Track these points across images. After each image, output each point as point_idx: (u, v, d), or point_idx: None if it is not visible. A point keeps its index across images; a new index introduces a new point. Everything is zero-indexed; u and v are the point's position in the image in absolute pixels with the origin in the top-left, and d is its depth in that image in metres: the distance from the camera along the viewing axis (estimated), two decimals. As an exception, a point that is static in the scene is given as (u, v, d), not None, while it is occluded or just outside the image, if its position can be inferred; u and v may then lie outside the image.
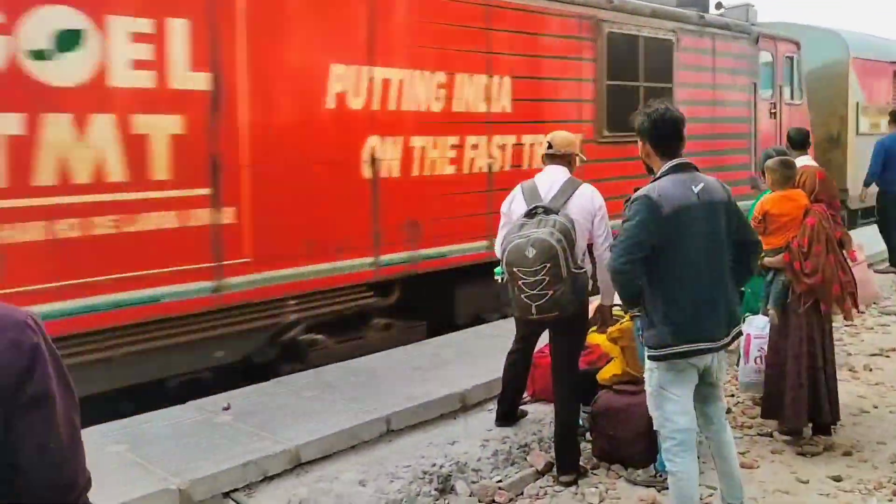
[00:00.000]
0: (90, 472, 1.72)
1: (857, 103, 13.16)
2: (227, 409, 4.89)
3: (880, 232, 10.09)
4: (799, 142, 6.26)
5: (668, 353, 3.45)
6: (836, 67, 13.06)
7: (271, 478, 4.16)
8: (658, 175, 3.55)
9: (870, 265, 10.08)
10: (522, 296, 4.14)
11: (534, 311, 4.15)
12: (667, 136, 3.57)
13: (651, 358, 3.54)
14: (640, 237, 3.40)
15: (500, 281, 4.42)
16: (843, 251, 4.77)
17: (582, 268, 4.24)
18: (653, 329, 3.48)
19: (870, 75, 13.56)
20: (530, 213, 4.29)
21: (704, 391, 3.65)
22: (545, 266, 4.04)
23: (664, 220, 3.38)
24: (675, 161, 3.54)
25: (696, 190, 3.45)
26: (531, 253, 4.06)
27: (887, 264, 10.01)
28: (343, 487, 4.07)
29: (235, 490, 4.00)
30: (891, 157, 9.63)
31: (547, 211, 4.26)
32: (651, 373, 3.59)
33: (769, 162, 4.84)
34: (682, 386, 3.53)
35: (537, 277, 4.06)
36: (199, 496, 3.88)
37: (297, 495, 3.97)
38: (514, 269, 4.12)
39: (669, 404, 3.53)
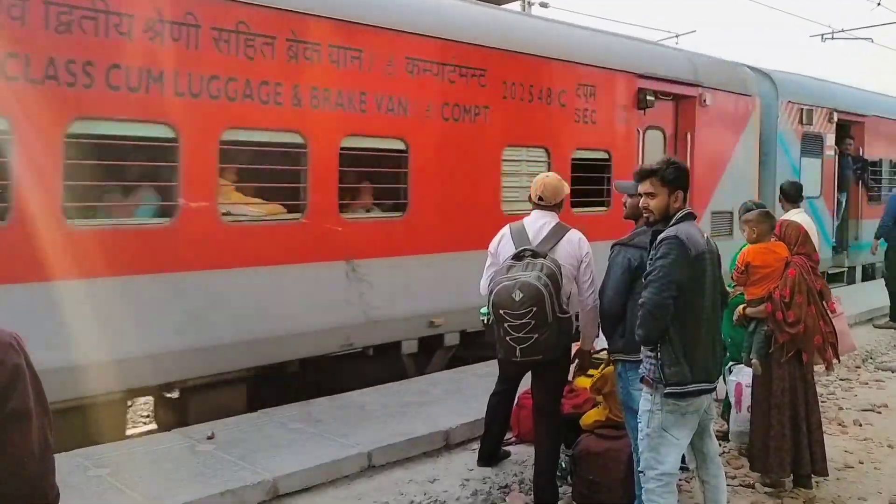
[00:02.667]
0: (59, 489, 1.82)
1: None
2: (211, 437, 4.92)
3: (886, 285, 10.08)
4: (793, 195, 6.33)
5: (687, 390, 3.51)
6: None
7: (248, 508, 4.18)
8: (678, 218, 3.66)
9: (869, 320, 10.12)
10: (507, 338, 4.19)
11: (518, 353, 4.19)
12: (686, 185, 3.77)
13: (668, 395, 3.54)
14: (673, 276, 3.50)
15: (485, 322, 4.47)
16: (824, 302, 4.80)
17: (567, 312, 4.29)
18: (676, 367, 3.51)
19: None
20: (518, 256, 4.36)
21: (701, 426, 3.74)
22: (531, 310, 4.09)
23: (692, 261, 3.52)
24: (687, 209, 3.73)
25: (705, 237, 3.68)
26: (518, 296, 4.11)
27: (887, 319, 9.97)
28: (319, 521, 4.09)
29: (211, 519, 4.03)
30: None
31: (535, 255, 4.32)
32: (652, 414, 3.60)
33: (750, 215, 4.89)
34: (684, 429, 3.61)
35: (523, 321, 4.11)
36: (175, 523, 3.91)
37: (272, 527, 4.00)
38: (501, 311, 4.17)
39: (666, 447, 3.59)
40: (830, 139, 12.12)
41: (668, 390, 3.54)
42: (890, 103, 14.32)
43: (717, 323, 3.74)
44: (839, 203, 12.47)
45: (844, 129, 12.71)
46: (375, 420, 5.41)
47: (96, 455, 4.67)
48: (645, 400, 3.66)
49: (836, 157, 12.30)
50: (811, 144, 11.71)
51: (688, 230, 3.60)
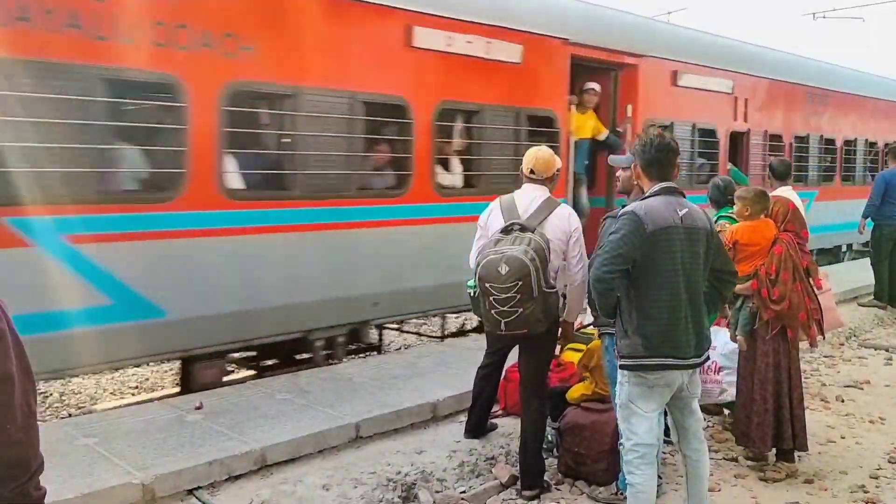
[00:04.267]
0: (43, 457, 1.79)
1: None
2: (199, 407, 4.94)
3: (871, 265, 10.16)
4: (781, 172, 6.35)
5: (639, 363, 3.55)
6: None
7: (236, 477, 4.21)
8: (647, 194, 3.68)
9: (854, 298, 10.22)
10: (493, 311, 4.19)
11: (503, 326, 4.20)
12: (652, 160, 3.71)
13: (622, 367, 3.63)
14: (622, 250, 3.51)
15: (471, 294, 4.48)
16: (810, 279, 4.84)
17: (553, 287, 4.29)
18: (626, 339, 3.59)
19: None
20: (507, 230, 4.35)
21: (681, 402, 3.75)
22: (517, 283, 4.09)
23: (647, 236, 3.50)
24: (664, 184, 3.68)
25: (680, 213, 3.59)
26: (504, 269, 4.11)
27: (871, 297, 10.07)
28: (306, 491, 4.11)
29: (199, 487, 4.05)
30: (890, 191, 9.75)
31: (523, 228, 4.31)
32: (622, 386, 3.69)
33: (745, 192, 4.91)
34: (651, 401, 3.62)
35: (508, 294, 4.11)
36: (163, 492, 3.93)
37: (259, 496, 4.02)
38: (487, 285, 4.17)
39: (635, 418, 3.63)
40: None
41: (620, 362, 3.62)
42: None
43: (697, 300, 3.63)
44: None
45: None
46: (363, 392, 5.44)
47: (84, 424, 4.68)
48: (619, 372, 3.72)
49: None
50: None
51: (652, 205, 3.57)
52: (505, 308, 4.14)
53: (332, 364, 6.35)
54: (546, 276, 4.18)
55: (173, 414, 4.88)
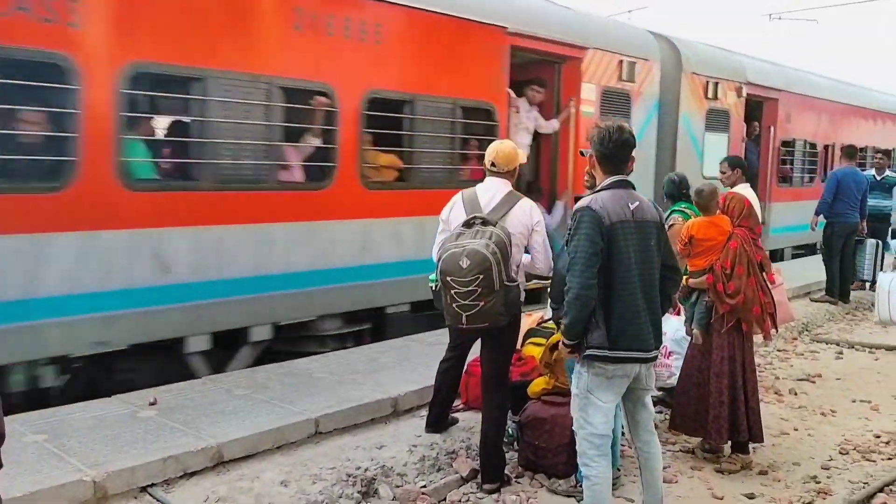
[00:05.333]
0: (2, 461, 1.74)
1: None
2: (153, 403, 4.83)
3: (823, 262, 10.41)
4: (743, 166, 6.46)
5: (605, 355, 3.56)
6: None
7: (192, 474, 4.12)
8: (599, 188, 3.69)
9: (807, 294, 10.46)
10: (454, 305, 4.18)
11: (464, 320, 4.19)
12: (610, 153, 3.69)
13: (585, 357, 3.62)
14: (592, 249, 3.50)
15: (433, 289, 4.46)
16: (763, 273, 4.93)
17: (515, 280, 4.28)
18: (595, 331, 3.57)
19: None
20: (468, 223, 4.34)
21: (634, 395, 3.78)
22: (478, 277, 4.08)
23: (606, 230, 3.51)
24: (617, 177, 3.68)
25: (631, 207, 3.60)
26: (465, 263, 4.10)
27: (823, 293, 10.32)
28: (264, 487, 4.05)
29: (153, 485, 3.96)
30: (842, 189, 9.99)
31: (485, 222, 4.31)
32: (579, 376, 3.69)
33: (702, 187, 4.98)
34: (609, 392, 3.64)
35: (470, 288, 4.10)
36: (115, 489, 3.83)
37: (216, 493, 3.94)
38: (448, 278, 4.15)
39: (592, 408, 3.64)
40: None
41: (587, 352, 3.61)
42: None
43: (652, 293, 3.65)
44: None
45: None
46: (323, 387, 5.38)
47: (33, 420, 4.53)
48: (576, 363, 3.73)
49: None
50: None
51: (605, 198, 3.58)
52: (466, 301, 4.12)
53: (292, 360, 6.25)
54: (507, 270, 4.18)
55: (126, 410, 4.76)
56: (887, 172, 11.33)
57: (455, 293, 4.13)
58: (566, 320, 3.60)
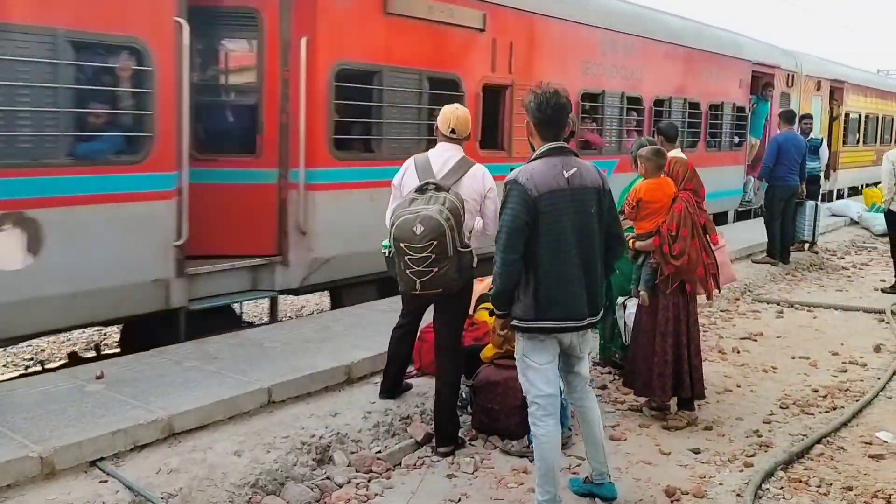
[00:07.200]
0: None
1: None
2: (100, 377, 4.72)
3: (765, 224, 10.70)
4: (671, 136, 6.52)
5: (531, 326, 3.62)
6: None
7: (143, 447, 4.05)
8: (532, 157, 3.68)
9: (748, 255, 10.77)
10: (408, 271, 4.17)
11: (418, 286, 4.19)
12: (548, 119, 3.66)
13: (515, 328, 3.69)
14: (516, 224, 3.52)
15: (386, 255, 4.44)
16: (707, 235, 5.05)
17: (468, 246, 4.28)
18: (519, 302, 3.63)
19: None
20: (421, 189, 4.31)
21: (570, 361, 3.85)
22: (431, 243, 4.07)
23: (533, 202, 3.50)
24: (551, 144, 3.66)
25: (566, 175, 3.57)
26: (419, 229, 4.08)
27: (764, 255, 10.63)
28: (217, 457, 4.01)
29: (103, 459, 3.88)
30: (782, 154, 10.23)
31: (438, 188, 4.28)
32: (518, 342, 3.78)
33: (643, 151, 5.05)
34: (543, 355, 3.70)
35: (424, 254, 4.09)
36: (63, 464, 3.74)
37: (168, 465, 3.89)
38: (401, 245, 4.13)
39: (532, 372, 3.71)
40: None
41: (512, 323, 3.67)
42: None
43: (592, 260, 3.64)
44: None
45: None
46: (275, 356, 5.33)
47: (-27, 398, 4.39)
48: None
49: None
50: None
51: (535, 169, 3.57)
52: (420, 268, 4.12)
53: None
54: (461, 236, 4.18)
55: (72, 384, 4.65)
56: (812, 136, 11.64)
57: (409, 259, 4.12)
58: (492, 292, 3.68)
